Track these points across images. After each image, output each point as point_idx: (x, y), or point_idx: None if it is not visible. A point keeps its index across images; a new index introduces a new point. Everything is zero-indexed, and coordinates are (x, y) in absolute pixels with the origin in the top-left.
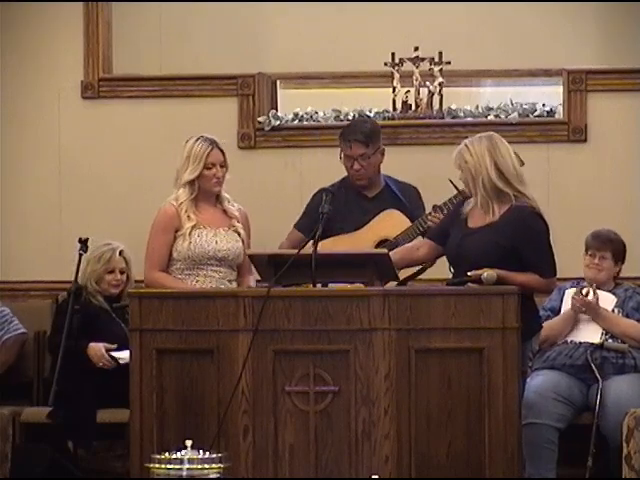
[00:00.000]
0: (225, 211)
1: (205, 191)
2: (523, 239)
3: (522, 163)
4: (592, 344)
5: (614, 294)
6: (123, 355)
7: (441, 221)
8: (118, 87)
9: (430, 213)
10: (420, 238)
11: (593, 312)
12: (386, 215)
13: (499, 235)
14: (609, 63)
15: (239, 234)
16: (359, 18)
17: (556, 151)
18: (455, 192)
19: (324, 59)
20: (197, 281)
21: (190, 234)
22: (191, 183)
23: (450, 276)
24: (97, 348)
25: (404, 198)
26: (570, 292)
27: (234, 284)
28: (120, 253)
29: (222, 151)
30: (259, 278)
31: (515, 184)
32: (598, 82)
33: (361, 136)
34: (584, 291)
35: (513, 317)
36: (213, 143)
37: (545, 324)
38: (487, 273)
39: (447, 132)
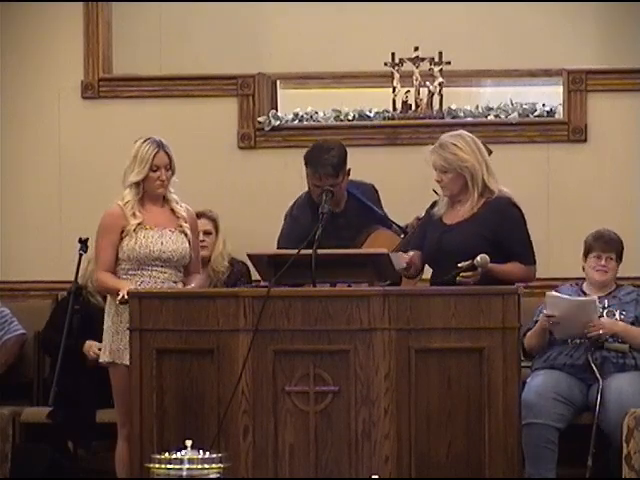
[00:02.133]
0: (173, 211)
1: (150, 193)
2: (504, 229)
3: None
4: (592, 343)
5: (615, 297)
6: None
7: (418, 229)
8: (118, 87)
9: (416, 225)
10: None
11: (614, 331)
12: (376, 236)
13: (481, 227)
14: (609, 63)
15: (186, 235)
16: (359, 18)
17: (556, 151)
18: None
19: (324, 59)
20: (142, 282)
21: (136, 232)
22: (137, 184)
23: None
24: (90, 343)
25: (366, 199)
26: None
27: (179, 285)
28: None
29: (168, 154)
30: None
31: (495, 179)
32: (598, 82)
33: (330, 169)
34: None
35: (513, 317)
36: (160, 145)
37: (528, 334)
38: (480, 256)
39: (447, 132)
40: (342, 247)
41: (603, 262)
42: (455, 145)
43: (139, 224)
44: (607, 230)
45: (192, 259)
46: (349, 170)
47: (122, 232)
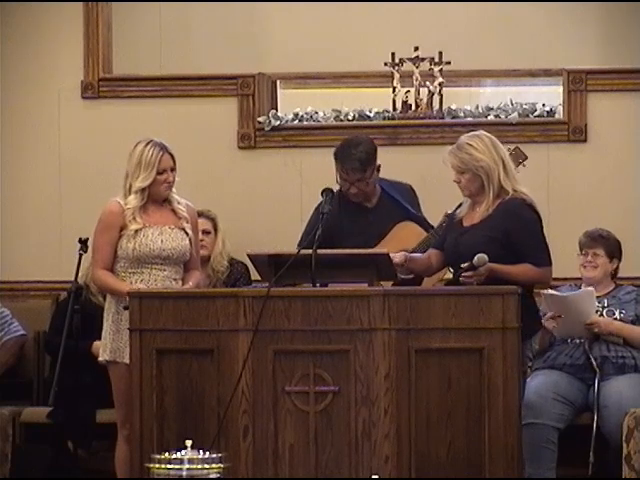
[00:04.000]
0: (174, 211)
1: (155, 196)
2: (514, 229)
3: (525, 157)
4: (589, 337)
5: (614, 296)
6: None
7: (440, 234)
8: (118, 87)
9: (444, 221)
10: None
11: (610, 330)
12: (401, 228)
13: (491, 228)
14: (609, 63)
15: (186, 233)
16: (359, 18)
17: (556, 151)
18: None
19: (324, 59)
20: (142, 280)
21: (135, 235)
22: (142, 190)
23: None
24: (98, 344)
25: (401, 199)
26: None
27: (179, 283)
28: None
29: (172, 155)
30: (202, 274)
31: (512, 180)
32: (598, 82)
33: (357, 163)
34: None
35: (513, 317)
36: (163, 148)
37: None
38: (477, 256)
39: (447, 132)
40: (368, 244)
41: (589, 258)
42: (470, 145)
43: (138, 229)
44: (598, 228)
45: (192, 256)
46: (379, 166)
47: (121, 230)
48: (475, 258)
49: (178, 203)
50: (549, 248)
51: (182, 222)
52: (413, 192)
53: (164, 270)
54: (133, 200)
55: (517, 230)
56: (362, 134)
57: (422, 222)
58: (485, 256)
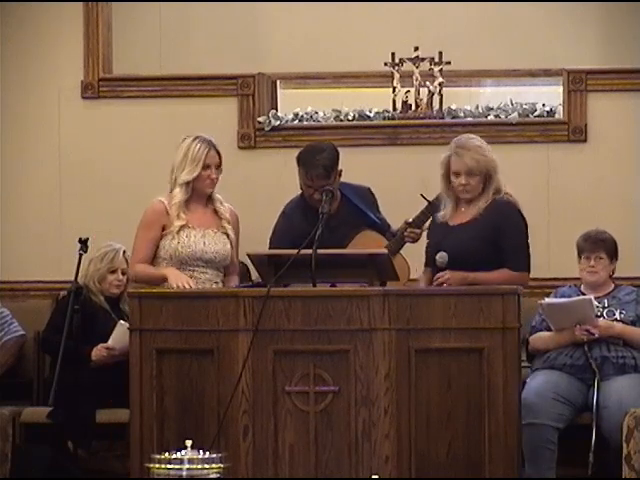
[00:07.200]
0: (216, 212)
1: (198, 192)
2: (502, 228)
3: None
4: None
5: (614, 297)
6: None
7: (428, 244)
8: (118, 87)
9: (406, 229)
10: (423, 267)
11: (610, 335)
12: (360, 237)
13: (483, 228)
14: (609, 63)
15: (228, 236)
16: (359, 18)
17: (556, 151)
18: (426, 204)
19: (324, 59)
20: None
21: (178, 233)
22: (187, 184)
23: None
24: (96, 348)
25: (360, 202)
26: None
27: (220, 285)
28: (123, 254)
29: (218, 152)
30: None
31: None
32: (598, 82)
33: (322, 169)
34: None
35: (513, 317)
36: (210, 144)
37: (537, 335)
38: (439, 255)
39: (447, 132)
40: (332, 248)
41: (592, 263)
42: (480, 147)
43: (182, 226)
44: (596, 230)
45: (232, 260)
46: (340, 171)
47: (163, 229)
48: (437, 257)
49: (221, 204)
50: (529, 255)
51: (224, 223)
52: (372, 194)
53: (206, 273)
54: (178, 194)
55: (505, 230)
56: (325, 139)
57: (382, 227)
58: (445, 255)
